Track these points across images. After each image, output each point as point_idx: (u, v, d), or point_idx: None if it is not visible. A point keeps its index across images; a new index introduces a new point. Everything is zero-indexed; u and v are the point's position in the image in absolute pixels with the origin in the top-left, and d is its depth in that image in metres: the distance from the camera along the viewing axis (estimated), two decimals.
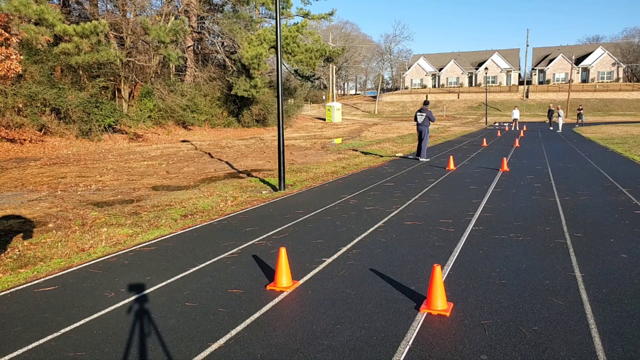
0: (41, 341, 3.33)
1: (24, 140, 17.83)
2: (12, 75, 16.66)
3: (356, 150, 17.56)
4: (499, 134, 27.35)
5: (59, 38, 19.43)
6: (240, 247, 5.51)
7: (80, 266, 4.97)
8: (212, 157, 16.29)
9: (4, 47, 16.24)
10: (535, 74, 79.40)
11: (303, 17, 31.28)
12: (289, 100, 39.05)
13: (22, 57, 17.18)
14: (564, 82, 73.43)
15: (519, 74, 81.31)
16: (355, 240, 5.68)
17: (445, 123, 41.71)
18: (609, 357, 2.94)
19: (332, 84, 67.41)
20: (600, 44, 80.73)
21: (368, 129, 33.59)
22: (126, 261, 5.10)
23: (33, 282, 4.52)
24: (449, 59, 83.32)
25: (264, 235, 6.03)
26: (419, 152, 14.53)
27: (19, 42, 18.32)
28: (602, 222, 6.29)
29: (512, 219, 6.57)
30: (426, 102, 14.75)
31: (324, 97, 71.88)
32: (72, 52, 18.51)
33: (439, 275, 3.67)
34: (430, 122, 14.24)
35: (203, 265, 4.90)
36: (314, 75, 37.21)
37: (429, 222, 6.54)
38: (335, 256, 5.09)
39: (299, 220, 6.83)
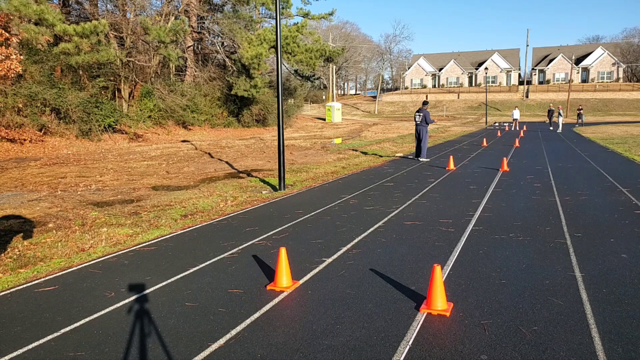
0: (41, 341, 3.33)
1: (24, 140, 17.83)
2: (12, 75, 16.66)
3: (356, 150, 17.56)
4: (499, 134, 27.35)
5: (59, 38, 19.42)
6: (240, 247, 5.51)
7: (80, 266, 4.97)
8: (212, 157, 16.29)
9: (4, 47, 16.24)
10: (535, 74, 79.40)
11: (303, 17, 31.27)
12: (289, 100, 39.04)
13: (22, 57, 17.17)
14: (564, 82, 73.43)
15: (519, 74, 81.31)
16: (355, 240, 5.68)
17: (445, 123, 41.71)
18: (609, 357, 2.94)
19: (332, 84, 67.40)
20: (600, 44, 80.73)
21: (368, 129, 33.59)
22: (126, 261, 5.10)
23: (33, 282, 4.52)
24: (449, 59, 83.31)
25: (264, 235, 6.03)
26: (417, 153, 14.52)
27: (19, 42, 18.30)
28: (602, 222, 6.29)
29: (512, 219, 6.57)
30: (425, 103, 14.75)
31: (324, 97, 71.88)
32: (72, 52, 18.50)
33: (439, 275, 3.67)
34: (428, 123, 14.18)
35: (203, 265, 4.90)
36: (314, 75, 37.19)
37: (429, 222, 6.54)
38: (335, 256, 5.09)
39: (299, 220, 6.83)
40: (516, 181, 9.94)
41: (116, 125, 22.47)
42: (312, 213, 7.26)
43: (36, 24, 16.96)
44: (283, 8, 29.22)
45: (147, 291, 4.22)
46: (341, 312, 3.69)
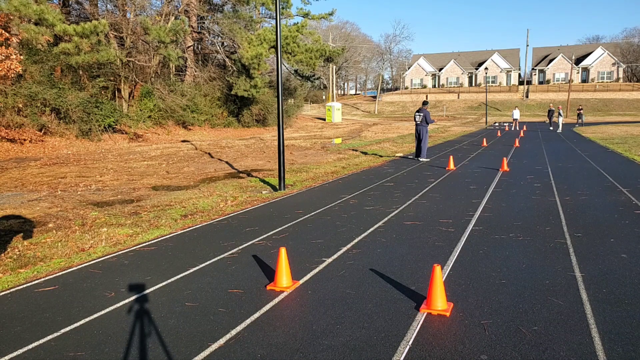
0: (41, 341, 3.33)
1: (24, 140, 17.83)
2: (12, 75, 16.66)
3: (356, 150, 17.56)
4: (499, 134, 27.35)
5: (59, 38, 19.42)
6: (240, 247, 5.51)
7: (80, 266, 4.97)
8: (212, 157, 16.29)
9: (4, 47, 16.24)
10: (535, 74, 79.40)
11: (303, 17, 31.27)
12: (289, 100, 39.05)
13: (22, 57, 17.18)
14: (564, 82, 73.43)
15: (519, 74, 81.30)
16: (355, 240, 5.68)
17: (445, 123, 41.71)
18: (609, 357, 2.94)
19: (332, 84, 67.40)
20: (600, 44, 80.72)
21: (368, 129, 33.59)
22: (126, 261, 5.10)
23: (33, 282, 4.52)
24: (449, 59, 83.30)
25: (264, 235, 6.03)
26: (417, 153, 14.51)
27: (19, 42, 18.31)
28: (602, 222, 6.29)
29: (512, 219, 6.57)
30: (425, 102, 14.75)
31: (324, 97, 71.88)
32: (72, 52, 18.50)
33: (439, 275, 3.67)
34: (428, 123, 14.17)
35: (203, 265, 4.90)
36: (314, 75, 37.20)
37: (429, 222, 6.54)
38: (335, 256, 5.09)
39: (299, 220, 6.83)
40: (516, 181, 9.94)
41: (116, 125, 22.47)
42: (312, 213, 7.26)
43: (36, 24, 16.96)
44: (283, 8, 29.22)
45: (147, 291, 4.22)
46: (341, 312, 3.69)
